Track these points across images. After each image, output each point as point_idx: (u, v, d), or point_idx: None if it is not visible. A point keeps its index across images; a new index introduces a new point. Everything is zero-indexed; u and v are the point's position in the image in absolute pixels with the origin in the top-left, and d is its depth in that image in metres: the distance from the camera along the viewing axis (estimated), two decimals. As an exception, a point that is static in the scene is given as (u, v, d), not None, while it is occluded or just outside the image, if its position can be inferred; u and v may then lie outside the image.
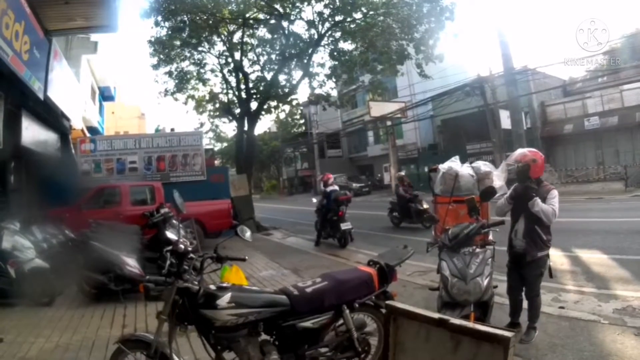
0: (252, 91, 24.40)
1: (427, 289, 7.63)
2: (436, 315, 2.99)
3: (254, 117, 24.58)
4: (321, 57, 33.84)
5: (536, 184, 5.59)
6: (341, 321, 4.42)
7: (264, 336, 4.19)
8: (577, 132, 34.52)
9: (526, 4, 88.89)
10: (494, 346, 2.61)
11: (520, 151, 5.90)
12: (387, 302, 3.69)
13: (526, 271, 5.66)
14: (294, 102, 29.74)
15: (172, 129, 23.51)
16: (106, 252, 8.79)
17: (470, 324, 2.83)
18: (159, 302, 4.02)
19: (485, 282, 4.86)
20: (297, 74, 25.20)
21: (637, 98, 31.93)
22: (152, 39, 24.19)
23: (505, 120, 31.36)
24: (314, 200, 16.60)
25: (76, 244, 9.77)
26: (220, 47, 25.44)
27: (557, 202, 5.52)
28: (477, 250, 5.19)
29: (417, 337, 3.08)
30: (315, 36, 22.94)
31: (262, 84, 24.27)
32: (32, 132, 12.37)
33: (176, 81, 26.07)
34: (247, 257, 4.69)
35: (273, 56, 25.01)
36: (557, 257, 10.53)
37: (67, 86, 14.54)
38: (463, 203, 6.26)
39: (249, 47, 25.47)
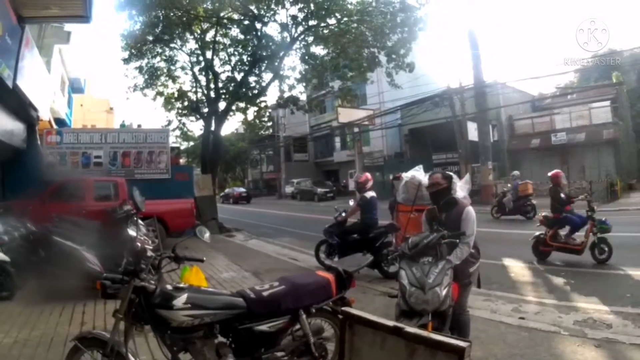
0: (221, 91, 24.37)
1: (387, 296, 7.69)
2: (391, 323, 2.99)
3: (221, 117, 24.56)
4: (292, 60, 33.81)
5: (454, 204, 5.62)
6: (298, 326, 4.45)
7: (220, 338, 4.18)
8: (544, 147, 35.20)
9: (499, 19, 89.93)
10: (448, 356, 2.63)
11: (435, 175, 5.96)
12: (343, 308, 3.72)
13: None
14: (263, 105, 29.77)
15: (139, 125, 23.42)
16: (68, 247, 8.74)
17: (425, 333, 2.85)
18: (118, 300, 4.01)
19: (444, 292, 4.84)
20: (267, 76, 25.23)
21: (605, 116, 32.66)
22: (125, 33, 24.03)
23: (472, 132, 31.64)
24: (337, 208, 12.25)
25: (38, 237, 9.70)
26: (192, 44, 25.44)
27: (472, 222, 5.45)
28: (437, 260, 5.24)
29: (372, 344, 3.08)
30: (288, 39, 22.98)
31: (232, 84, 24.20)
32: (-1, 121, 12.27)
33: (146, 77, 25.91)
34: (205, 258, 4.69)
35: (244, 57, 24.96)
36: (518, 269, 10.74)
37: (37, 76, 14.36)
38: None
39: (221, 47, 25.43)
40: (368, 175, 11.76)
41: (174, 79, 27.21)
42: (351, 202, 12.15)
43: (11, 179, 13.23)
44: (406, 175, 9.27)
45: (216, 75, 24.60)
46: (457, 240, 5.29)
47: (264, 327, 4.26)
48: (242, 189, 59.06)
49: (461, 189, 6.69)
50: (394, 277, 8.86)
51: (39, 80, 14.76)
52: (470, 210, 5.52)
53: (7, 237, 9.49)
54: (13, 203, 11.95)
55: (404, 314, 4.96)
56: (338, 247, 11.16)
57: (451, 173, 6.13)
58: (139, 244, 4.24)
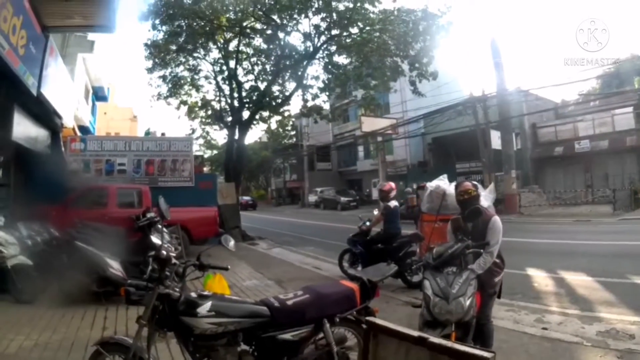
0: (244, 100, 24.40)
1: (410, 306, 7.64)
2: (415, 333, 2.96)
3: (245, 126, 24.64)
4: (315, 69, 33.66)
5: (479, 214, 5.55)
6: (321, 335, 4.39)
7: (243, 346, 4.17)
8: (567, 155, 34.85)
9: (521, 26, 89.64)
10: (472, 366, 2.60)
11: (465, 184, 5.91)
12: (368, 317, 3.69)
13: None
14: (286, 114, 29.76)
15: (163, 134, 23.51)
16: (90, 253, 8.76)
17: (449, 343, 2.81)
18: (140, 307, 4.03)
19: (468, 302, 4.82)
20: (290, 85, 25.41)
21: (628, 122, 32.24)
22: (149, 42, 24.30)
23: (495, 140, 31.40)
24: (361, 217, 11.84)
25: (61, 243, 9.73)
26: (215, 54, 25.51)
27: (497, 232, 5.43)
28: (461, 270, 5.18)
29: (396, 354, 3.06)
30: (311, 49, 22.99)
31: (255, 93, 24.20)
32: (23, 128, 12.35)
33: (170, 86, 26.11)
34: (229, 267, 4.66)
35: (267, 66, 25.14)
36: (541, 279, 10.64)
37: (61, 84, 14.50)
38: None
39: (244, 56, 25.58)
40: (392, 184, 11.60)
41: (197, 88, 27.44)
42: (375, 212, 12.11)
43: (35, 185, 13.31)
44: (431, 185, 9.23)
45: (240, 85, 24.71)
46: (482, 251, 5.23)
47: (287, 336, 4.25)
48: (248, 198, 61.33)
49: (485, 198, 6.63)
50: (417, 286, 8.78)
51: (63, 88, 14.90)
52: (497, 219, 5.51)
53: (30, 241, 9.54)
54: (37, 208, 12.00)
55: (427, 324, 4.96)
56: (362, 256, 11.02)
57: (476, 182, 6.06)
58: (164, 252, 4.20)
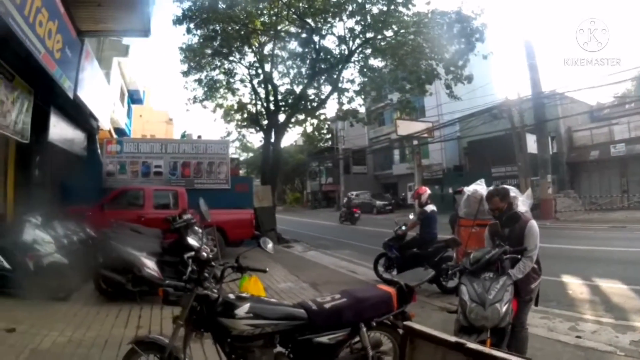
0: (280, 103, 24.56)
1: (445, 312, 7.57)
2: (453, 339, 2.92)
3: (281, 129, 24.76)
4: (351, 73, 33.57)
5: (517, 219, 5.46)
6: (357, 338, 4.39)
7: (279, 348, 4.18)
8: (603, 159, 34.17)
9: (556, 28, 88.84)
10: (510, 373, 2.55)
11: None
12: (405, 322, 3.65)
13: None
14: (322, 117, 29.77)
15: (199, 136, 23.67)
16: (126, 253, 8.84)
17: (487, 349, 2.78)
18: (176, 307, 4.08)
19: (504, 308, 4.78)
20: (326, 88, 25.41)
21: (665, 125, 31.57)
22: (184, 46, 24.79)
23: (531, 144, 31.11)
24: (397, 221, 11.58)
25: (96, 242, 9.84)
26: (250, 57, 25.69)
27: (534, 237, 5.38)
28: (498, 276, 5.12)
29: (432, 360, 3.04)
30: (346, 52, 23.07)
31: (291, 97, 24.44)
32: (60, 130, 12.55)
33: (205, 89, 26.47)
34: (267, 269, 4.75)
35: (303, 70, 25.21)
36: (576, 286, 10.47)
37: (96, 87, 14.74)
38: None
39: (280, 60, 25.73)
40: (422, 188, 11.60)
41: (233, 92, 27.69)
42: (411, 216, 12.01)
43: (71, 185, 13.49)
44: (468, 190, 9.17)
45: (275, 88, 24.82)
46: (519, 256, 5.19)
47: (323, 339, 4.24)
48: None
49: (523, 203, 6.55)
50: (452, 292, 8.70)
51: (98, 91, 15.14)
52: (534, 224, 5.44)
53: (66, 240, 9.67)
54: (73, 208, 12.15)
55: (463, 329, 4.92)
56: (397, 260, 10.89)
57: (508, 187, 6.01)
58: (204, 254, 4.24)
